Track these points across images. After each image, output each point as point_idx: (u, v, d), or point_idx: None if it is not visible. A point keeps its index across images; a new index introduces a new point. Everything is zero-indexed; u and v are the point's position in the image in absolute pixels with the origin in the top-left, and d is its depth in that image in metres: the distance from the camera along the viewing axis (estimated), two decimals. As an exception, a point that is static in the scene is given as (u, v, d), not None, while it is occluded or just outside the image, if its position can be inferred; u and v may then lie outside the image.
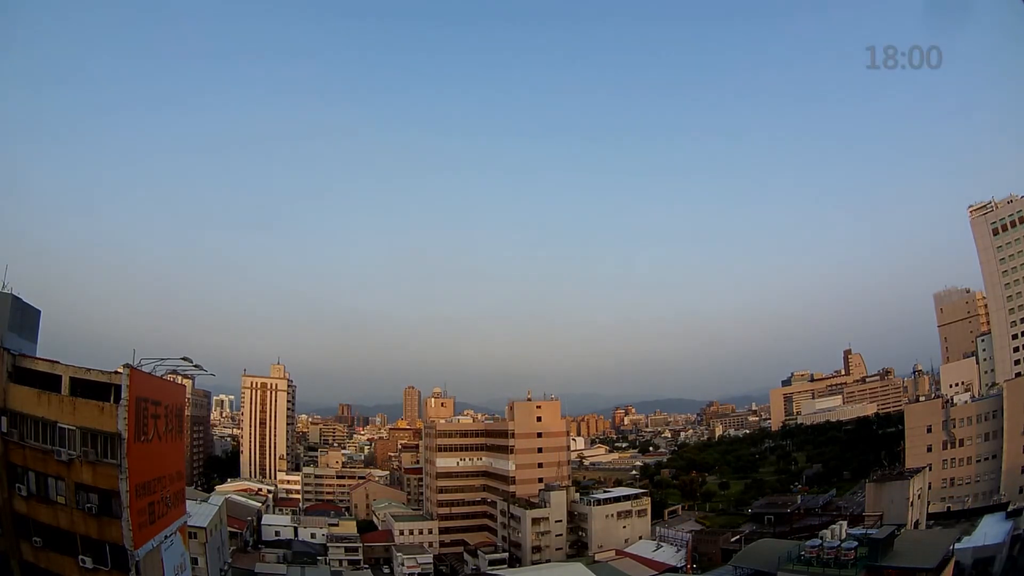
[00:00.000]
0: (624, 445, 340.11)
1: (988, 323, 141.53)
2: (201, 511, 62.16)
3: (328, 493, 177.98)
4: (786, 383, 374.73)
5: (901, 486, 65.32)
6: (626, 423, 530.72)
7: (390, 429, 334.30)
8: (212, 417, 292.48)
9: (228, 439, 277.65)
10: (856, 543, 44.14)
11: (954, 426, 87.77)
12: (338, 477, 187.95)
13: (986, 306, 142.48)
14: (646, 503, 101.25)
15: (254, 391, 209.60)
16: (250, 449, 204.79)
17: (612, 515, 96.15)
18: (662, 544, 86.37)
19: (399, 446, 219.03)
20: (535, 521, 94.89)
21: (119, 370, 33.63)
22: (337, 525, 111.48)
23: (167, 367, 41.99)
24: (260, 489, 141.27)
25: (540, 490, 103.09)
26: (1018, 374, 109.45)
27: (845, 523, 54.19)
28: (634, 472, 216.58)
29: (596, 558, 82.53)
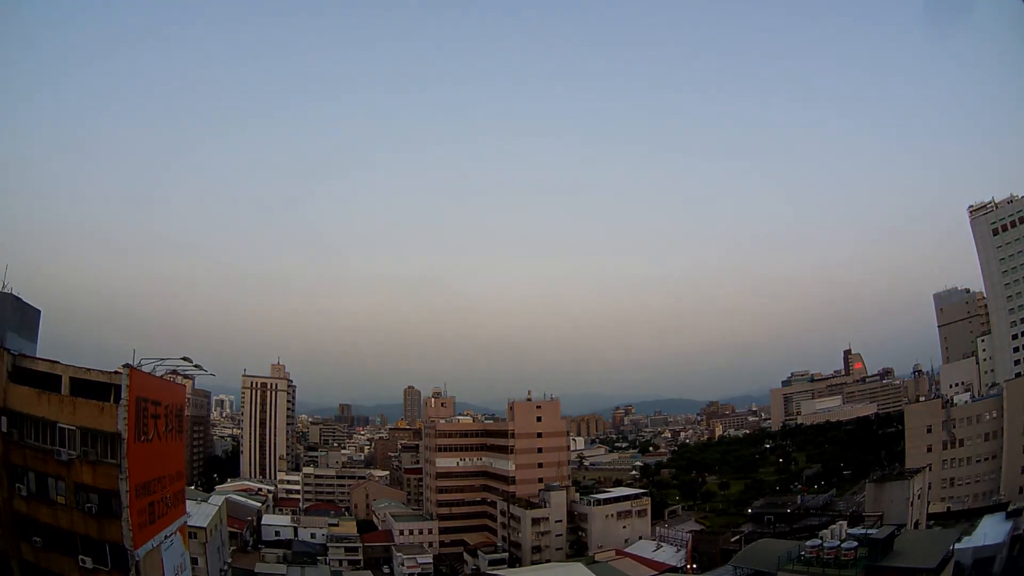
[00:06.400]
0: (624, 445, 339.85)
1: (988, 323, 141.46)
2: (201, 511, 62.04)
3: (328, 493, 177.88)
4: (786, 383, 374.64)
5: (901, 486, 65.13)
6: (626, 423, 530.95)
7: (390, 429, 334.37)
8: (212, 417, 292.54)
9: (228, 439, 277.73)
10: (856, 543, 44.05)
11: (954, 426, 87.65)
12: (338, 477, 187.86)
13: (986, 306, 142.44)
14: (646, 503, 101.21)
15: (254, 391, 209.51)
16: (250, 449, 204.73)
17: (612, 515, 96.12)
18: (662, 544, 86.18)
19: (399, 446, 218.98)
20: (535, 521, 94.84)
21: (119, 370, 33.56)
22: (337, 525, 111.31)
23: (167, 367, 41.94)
24: (260, 489, 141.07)
25: (540, 490, 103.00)
26: (1018, 374, 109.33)
27: (845, 523, 54.18)
28: (634, 472, 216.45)
29: (596, 558, 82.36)
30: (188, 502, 49.22)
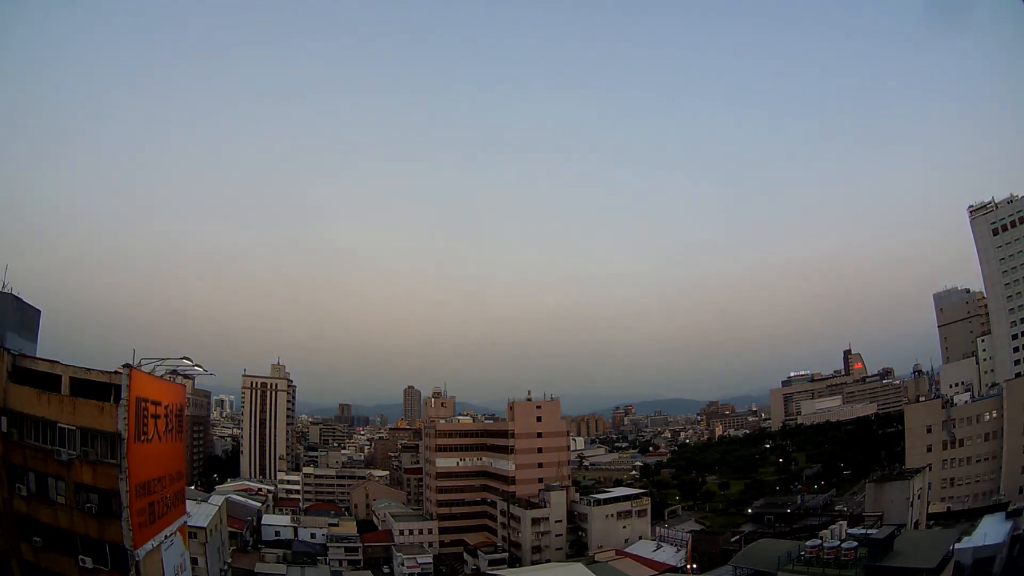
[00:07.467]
0: (624, 445, 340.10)
1: (988, 323, 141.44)
2: (201, 511, 62.05)
3: (328, 493, 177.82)
4: (786, 383, 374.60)
5: (901, 486, 65.06)
6: (626, 423, 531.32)
7: (390, 429, 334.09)
8: (212, 417, 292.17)
9: (228, 439, 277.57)
10: (856, 543, 44.02)
11: (954, 426, 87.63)
12: (338, 477, 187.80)
13: (986, 306, 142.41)
14: (646, 503, 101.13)
15: (254, 391, 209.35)
16: (250, 449, 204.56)
17: (612, 515, 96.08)
18: (662, 544, 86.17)
19: (399, 446, 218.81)
20: (535, 521, 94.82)
21: (119, 370, 33.60)
22: (337, 525, 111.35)
23: (167, 367, 41.95)
24: (260, 489, 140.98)
25: (540, 490, 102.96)
26: (1018, 374, 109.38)
27: (845, 523, 54.10)
28: (634, 472, 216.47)
29: (596, 558, 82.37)
30: (188, 502, 49.26)
